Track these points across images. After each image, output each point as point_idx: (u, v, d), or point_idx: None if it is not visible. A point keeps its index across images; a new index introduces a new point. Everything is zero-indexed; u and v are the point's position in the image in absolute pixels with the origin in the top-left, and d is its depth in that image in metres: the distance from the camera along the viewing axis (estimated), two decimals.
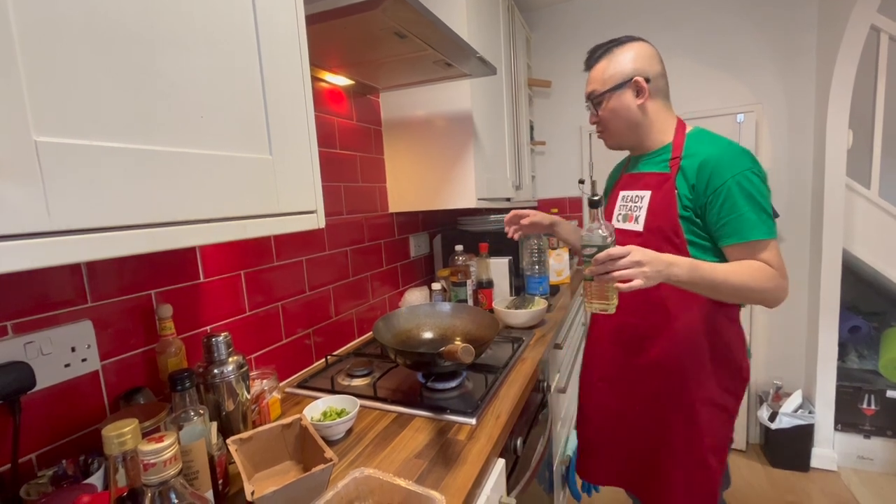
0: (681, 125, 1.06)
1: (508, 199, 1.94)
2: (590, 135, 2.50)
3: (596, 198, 0.88)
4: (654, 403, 1.08)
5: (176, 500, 0.46)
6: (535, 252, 1.71)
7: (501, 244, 1.81)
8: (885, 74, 1.86)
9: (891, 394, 2.03)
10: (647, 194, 1.05)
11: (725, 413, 1.05)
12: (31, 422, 0.67)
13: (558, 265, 2.08)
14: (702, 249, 0.98)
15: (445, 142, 1.54)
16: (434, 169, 1.57)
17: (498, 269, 1.75)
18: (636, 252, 0.81)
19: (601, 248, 0.83)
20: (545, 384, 1.37)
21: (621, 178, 1.20)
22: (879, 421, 2.07)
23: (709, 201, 0.94)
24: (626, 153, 1.22)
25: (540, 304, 1.55)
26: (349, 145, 1.45)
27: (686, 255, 0.96)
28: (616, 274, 0.81)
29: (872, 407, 2.07)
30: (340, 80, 1.35)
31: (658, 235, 1.00)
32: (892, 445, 2.06)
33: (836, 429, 2.12)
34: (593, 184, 0.95)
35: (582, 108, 2.47)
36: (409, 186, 1.62)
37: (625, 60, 1.02)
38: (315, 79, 1.29)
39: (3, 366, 0.63)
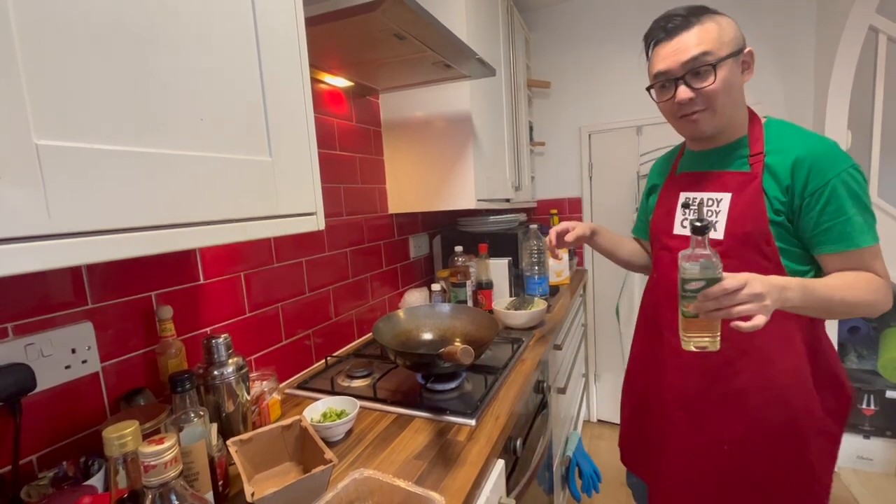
0: (754, 115, 0.93)
1: (508, 200, 1.94)
2: (589, 135, 2.50)
3: (701, 223, 0.72)
4: (754, 438, 0.91)
5: (176, 502, 0.46)
6: (534, 253, 1.72)
7: (501, 245, 1.82)
8: (883, 75, 1.86)
9: (890, 394, 2.04)
10: (726, 197, 0.90)
11: (833, 441, 0.91)
12: (31, 423, 0.67)
13: (558, 266, 2.08)
14: (793, 257, 0.86)
15: (445, 143, 1.54)
16: (434, 170, 1.57)
17: (497, 269, 1.75)
18: (755, 282, 0.69)
19: (711, 282, 0.70)
20: (545, 385, 1.38)
21: (678, 177, 1.04)
22: (879, 421, 2.07)
23: (806, 203, 0.82)
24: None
25: (539, 304, 1.55)
26: (349, 146, 1.45)
27: (778, 264, 0.86)
28: (735, 311, 0.69)
29: (872, 407, 2.07)
30: (340, 82, 1.35)
31: (744, 243, 0.87)
32: (892, 446, 2.06)
33: None
34: (699, 206, 0.83)
35: (581, 108, 2.51)
36: (408, 187, 1.63)
37: (734, 28, 0.87)
38: (314, 80, 1.29)
39: (3, 367, 0.63)
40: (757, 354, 0.89)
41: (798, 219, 0.84)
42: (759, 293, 0.69)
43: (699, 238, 0.73)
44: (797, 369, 0.88)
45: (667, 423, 1.03)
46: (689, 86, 0.86)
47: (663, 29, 0.89)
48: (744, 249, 0.88)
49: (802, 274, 0.85)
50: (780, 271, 0.85)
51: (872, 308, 0.82)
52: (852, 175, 0.80)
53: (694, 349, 0.77)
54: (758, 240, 0.87)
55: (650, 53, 0.93)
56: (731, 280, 0.70)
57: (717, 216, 0.92)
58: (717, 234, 0.91)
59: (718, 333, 0.75)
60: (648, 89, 0.95)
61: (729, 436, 0.93)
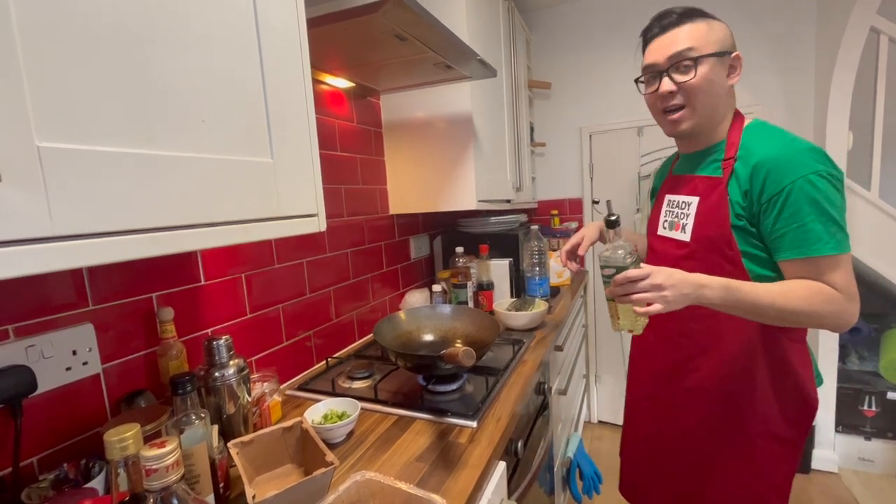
0: (738, 118, 0.94)
1: (509, 201, 1.94)
2: (590, 136, 2.50)
3: (613, 217, 0.83)
4: (702, 432, 0.97)
5: None
6: (535, 254, 1.71)
7: (502, 246, 1.81)
8: (884, 76, 1.86)
9: (891, 395, 2.03)
10: (694, 200, 0.94)
11: (789, 447, 0.93)
12: (32, 425, 0.67)
13: (559, 267, 2.08)
14: (759, 262, 0.87)
15: (446, 143, 1.54)
16: (434, 171, 1.57)
17: (498, 270, 1.75)
18: (657, 274, 0.75)
19: (620, 269, 0.79)
20: (546, 386, 1.37)
21: (668, 180, 1.09)
22: (880, 423, 2.06)
23: (763, 209, 0.82)
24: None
25: (540, 305, 1.55)
26: (350, 147, 1.45)
27: (741, 267, 0.87)
28: (635, 297, 0.76)
29: (873, 409, 2.06)
30: (341, 83, 1.35)
31: (707, 246, 0.90)
32: (893, 447, 2.06)
33: (836, 430, 2.12)
34: (608, 203, 0.88)
35: (582, 108, 2.51)
36: (409, 188, 1.63)
37: (725, 31, 0.88)
38: (316, 81, 1.29)
39: (4, 369, 0.63)
40: (716, 355, 0.94)
41: (758, 224, 0.85)
42: (658, 284, 0.75)
43: (610, 231, 0.84)
44: (752, 375, 0.91)
45: (635, 412, 1.15)
46: (672, 79, 0.89)
47: (657, 25, 0.92)
48: (707, 252, 0.90)
49: (770, 279, 0.85)
50: (742, 275, 0.86)
51: (819, 320, 0.80)
52: (812, 181, 0.77)
53: (625, 331, 0.85)
54: (720, 243, 0.89)
55: (644, 48, 0.96)
56: (634, 270, 0.77)
57: (686, 219, 0.95)
58: (685, 236, 0.95)
59: (640, 320, 0.81)
60: (637, 81, 0.98)
61: (686, 424, 1.00)
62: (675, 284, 0.75)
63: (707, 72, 0.86)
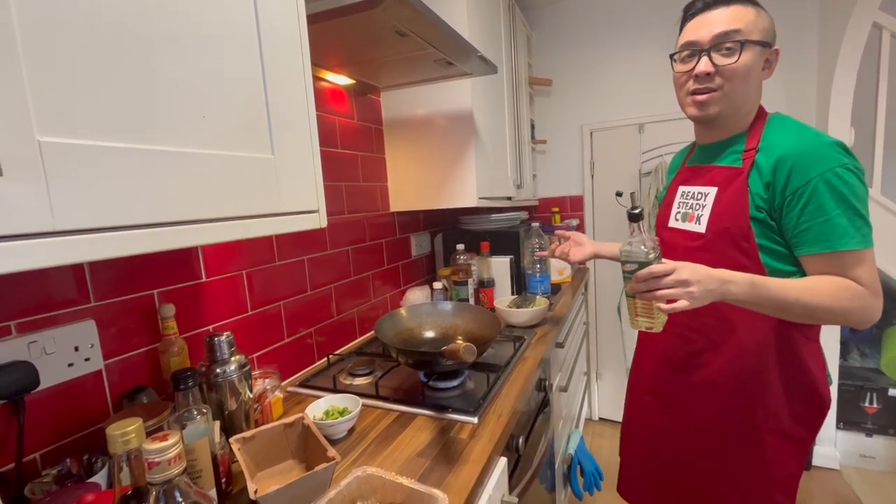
0: (761, 112, 0.92)
1: (509, 198, 1.94)
2: (591, 133, 2.49)
3: (636, 210, 0.79)
4: (710, 428, 0.95)
5: (180, 499, 0.46)
6: (536, 251, 1.71)
7: (502, 243, 1.81)
8: (887, 72, 1.85)
9: (893, 392, 2.03)
10: (712, 191, 0.91)
11: (798, 445, 0.91)
12: (34, 421, 0.67)
13: (559, 264, 2.08)
14: (776, 256, 0.85)
15: (446, 141, 1.54)
16: (435, 168, 1.57)
17: (499, 267, 1.75)
18: (683, 269, 0.73)
19: (643, 265, 0.76)
20: (547, 383, 1.38)
21: (681, 172, 1.06)
22: (881, 419, 2.06)
23: (787, 202, 0.80)
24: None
25: (541, 302, 1.55)
26: (350, 144, 1.45)
27: (757, 261, 0.85)
28: (659, 293, 0.73)
29: (874, 405, 2.06)
30: (341, 80, 1.35)
31: (723, 238, 0.88)
32: (894, 444, 2.06)
33: (837, 427, 2.12)
34: (632, 196, 0.84)
35: (583, 106, 2.51)
36: (410, 185, 1.63)
37: (771, 22, 0.86)
38: (316, 78, 1.29)
39: (6, 365, 0.63)
40: (727, 350, 0.92)
41: (780, 218, 0.82)
42: (685, 280, 0.72)
43: (633, 224, 0.80)
44: (764, 371, 0.89)
45: (637, 409, 1.11)
46: (711, 60, 0.85)
47: (703, 1, 0.88)
48: (723, 244, 0.88)
49: (787, 274, 0.84)
50: (758, 269, 0.84)
51: (845, 317, 0.78)
52: (840, 175, 0.76)
53: (643, 329, 0.81)
54: (737, 236, 0.86)
55: (683, 24, 0.93)
56: (658, 265, 0.74)
57: (702, 210, 0.93)
58: (700, 227, 0.93)
59: (660, 317, 0.79)
60: (671, 56, 0.94)
61: (694, 421, 0.98)
62: (700, 280, 0.73)
63: (749, 59, 0.83)
